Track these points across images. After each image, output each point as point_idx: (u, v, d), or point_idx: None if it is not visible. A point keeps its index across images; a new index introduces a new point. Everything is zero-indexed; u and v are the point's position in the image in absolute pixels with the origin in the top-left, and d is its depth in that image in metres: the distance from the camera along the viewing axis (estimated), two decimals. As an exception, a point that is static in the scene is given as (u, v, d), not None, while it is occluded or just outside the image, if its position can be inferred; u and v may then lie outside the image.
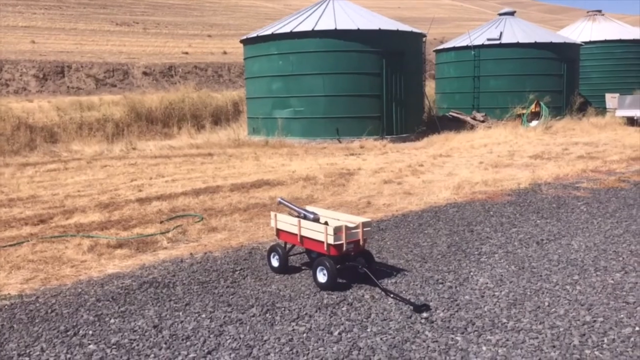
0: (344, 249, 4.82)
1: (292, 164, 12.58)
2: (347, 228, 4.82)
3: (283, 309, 4.42)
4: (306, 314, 4.31)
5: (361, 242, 4.95)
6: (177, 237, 6.72)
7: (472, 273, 5.17)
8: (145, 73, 37.82)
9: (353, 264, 4.97)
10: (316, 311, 4.35)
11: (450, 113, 20.62)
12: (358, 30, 15.65)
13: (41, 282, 5.24)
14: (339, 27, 15.63)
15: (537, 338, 3.81)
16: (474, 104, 21.07)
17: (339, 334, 3.94)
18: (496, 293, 4.66)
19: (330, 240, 4.76)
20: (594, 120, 20.57)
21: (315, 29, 15.69)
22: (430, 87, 23.61)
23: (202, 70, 40.23)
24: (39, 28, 49.54)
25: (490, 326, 4.01)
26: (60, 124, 18.11)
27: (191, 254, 6.00)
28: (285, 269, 5.29)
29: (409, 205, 8.21)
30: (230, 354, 3.68)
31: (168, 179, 10.83)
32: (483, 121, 19.90)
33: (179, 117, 19.61)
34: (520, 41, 20.52)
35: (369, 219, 5.12)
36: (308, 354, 3.66)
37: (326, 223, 5.05)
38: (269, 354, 3.67)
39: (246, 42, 17.74)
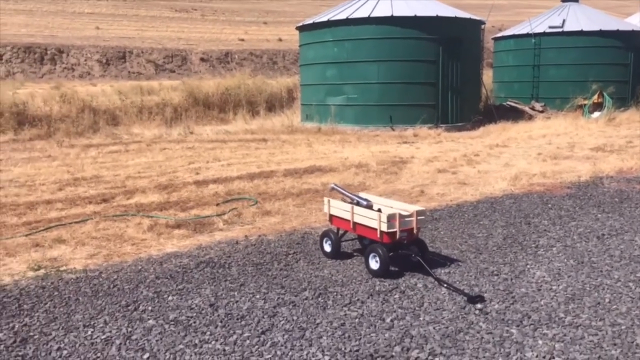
0: (397, 236, 4.79)
1: (345, 150, 12.58)
2: (401, 216, 4.79)
3: (335, 293, 4.46)
4: (358, 299, 4.33)
5: (415, 231, 4.91)
6: (232, 219, 6.87)
7: (528, 266, 5.06)
8: (202, 59, 38.54)
9: (406, 252, 4.93)
10: (368, 297, 4.37)
11: (508, 102, 20.06)
12: (415, 16, 15.41)
13: (104, 258, 5.47)
14: (395, 14, 15.43)
15: (596, 335, 3.70)
16: (533, 94, 20.41)
17: (391, 321, 3.95)
18: (553, 287, 4.54)
19: (384, 228, 4.74)
20: (663, 112, 19.56)
21: (372, 15, 15.55)
22: (487, 75, 23.02)
23: (258, 57, 40.64)
24: (103, 14, 51.26)
25: (547, 320, 3.93)
26: (121, 107, 18.71)
27: (246, 236, 6.12)
28: (337, 254, 5.31)
29: (463, 195, 8.08)
30: (283, 334, 3.76)
31: (224, 163, 11.04)
32: (542, 111, 19.27)
33: (235, 102, 19.90)
34: (584, 29, 19.68)
35: (422, 208, 5.08)
36: (360, 339, 3.69)
37: (379, 210, 5.02)
38: (321, 337, 3.73)
39: (302, 28, 17.78)
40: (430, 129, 15.70)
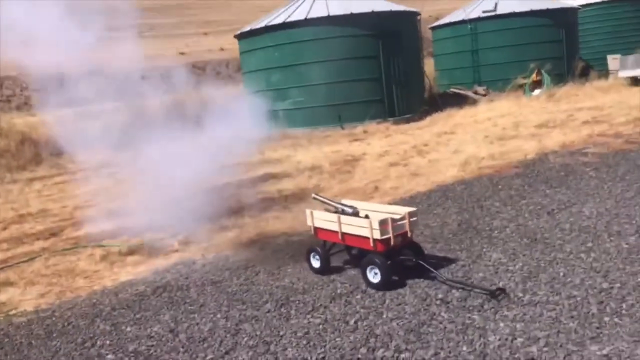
0: (392, 242, 4.48)
1: (297, 154, 12.53)
2: (393, 220, 4.49)
3: (297, 302, 4.41)
4: (321, 305, 4.30)
5: (409, 234, 4.63)
6: (187, 239, 6.72)
7: (484, 249, 5.14)
8: (144, 77, 37.79)
9: (404, 258, 4.63)
10: (331, 302, 4.34)
11: (452, 89, 20.44)
12: (351, 14, 15.49)
13: (56, 295, 5.27)
14: (331, 13, 15.48)
15: (554, 310, 3.78)
16: (474, 79, 20.85)
17: (355, 322, 3.93)
18: (510, 267, 4.62)
19: (377, 235, 4.42)
20: (598, 83, 20.29)
21: (308, 17, 15.54)
22: (429, 65, 23.39)
23: (201, 69, 40.15)
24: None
25: (507, 302, 3.99)
26: (63, 136, 18.11)
27: (202, 254, 6.01)
28: (327, 269, 4.95)
29: (416, 187, 8.16)
30: (247, 352, 3.69)
31: (175, 181, 10.81)
32: (485, 95, 19.71)
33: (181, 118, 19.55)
34: (516, 10, 20.22)
35: (414, 208, 4.79)
36: (325, 345, 3.65)
37: (366, 216, 4.74)
38: (286, 349, 3.67)
39: (240, 36, 17.64)
40: (379, 123, 15.81)
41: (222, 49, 44.45)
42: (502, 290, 4.11)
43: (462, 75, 21.05)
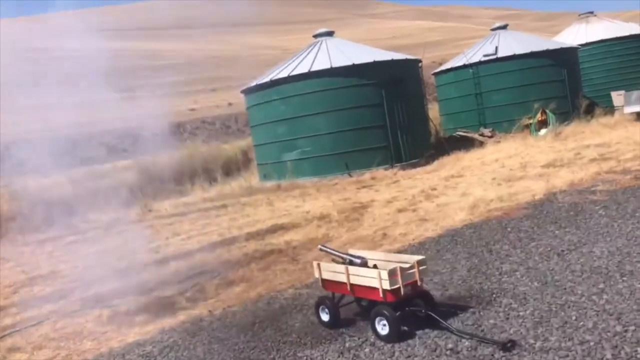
0: (402, 292, 4.38)
1: (306, 204, 12.55)
2: (402, 269, 4.41)
3: (305, 357, 4.33)
4: (328, 359, 4.21)
5: (418, 283, 4.54)
6: (195, 295, 6.68)
7: (494, 295, 5.04)
8: (154, 134, 38.46)
9: (414, 309, 4.51)
10: (339, 356, 4.26)
11: (458, 133, 20.55)
12: (353, 65, 15.81)
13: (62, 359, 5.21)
14: (334, 65, 15.81)
15: (567, 356, 3.67)
16: (480, 121, 20.99)
17: (363, 377, 3.84)
18: (521, 313, 4.52)
19: (386, 285, 4.32)
20: (604, 120, 20.32)
21: (312, 69, 15.88)
22: (434, 109, 23.64)
23: (210, 124, 40.90)
24: (48, 105, 50.96)
25: (518, 349, 3.88)
26: (75, 196, 18.35)
27: (210, 311, 5.95)
28: (337, 322, 4.84)
29: (425, 232, 8.10)
30: (253, 412, 3.60)
31: (184, 237, 10.85)
32: (491, 136, 19.79)
33: (191, 173, 19.78)
34: (517, 52, 20.53)
35: (422, 256, 4.70)
36: (333, 402, 3.56)
37: (375, 266, 4.68)
38: (293, 407, 3.58)
39: (247, 91, 18.00)
40: (386, 169, 15.86)
41: (230, 104, 45.34)
42: (513, 342, 3.99)
43: (468, 118, 21.21)
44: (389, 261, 4.82)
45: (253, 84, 17.46)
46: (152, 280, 7.82)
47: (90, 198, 18.38)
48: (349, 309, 5.11)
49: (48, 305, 7.36)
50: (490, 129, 20.23)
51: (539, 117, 19.62)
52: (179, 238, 10.82)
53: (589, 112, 21.59)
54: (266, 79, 16.76)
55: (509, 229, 7.38)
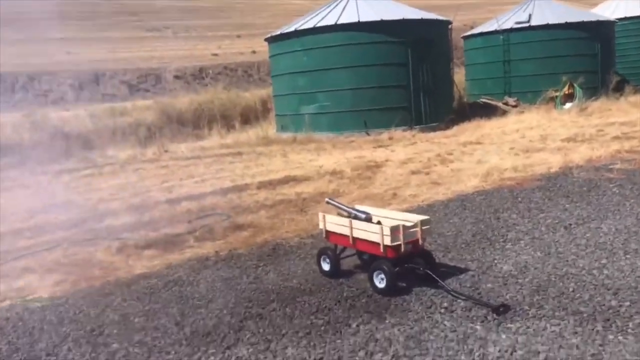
0: (402, 250, 4.45)
1: (320, 159, 12.58)
2: (405, 227, 4.46)
3: (303, 302, 4.44)
4: (326, 307, 4.32)
5: (420, 242, 4.58)
6: (203, 236, 6.82)
7: (495, 261, 5.09)
8: (176, 76, 38.43)
9: (412, 266, 4.59)
10: (335, 304, 4.36)
11: (482, 99, 20.25)
12: (381, 21, 15.51)
13: (71, 284, 5.40)
14: (362, 20, 15.52)
15: (559, 325, 3.73)
16: (505, 89, 20.62)
17: (357, 326, 3.94)
18: (519, 280, 4.57)
19: (387, 241, 4.39)
20: (633, 99, 19.83)
21: (338, 22, 15.62)
22: (460, 74, 23.24)
23: (232, 71, 40.63)
24: (73, 39, 50.86)
25: (512, 314, 3.94)
26: (94, 130, 18.56)
27: (216, 251, 6.08)
28: (337, 272, 4.94)
29: (435, 195, 8.12)
30: (248, 348, 3.73)
31: (198, 180, 10.98)
32: (515, 106, 19.47)
33: (209, 118, 19.85)
34: (550, 22, 19.94)
35: (427, 217, 4.74)
36: (325, 346, 3.67)
37: (379, 222, 4.73)
38: (286, 347, 3.70)
39: (270, 40, 17.81)
40: (405, 131, 15.76)
41: (254, 52, 44.89)
42: (506, 306, 4.03)
43: (493, 86, 20.84)
44: (393, 219, 4.87)
45: (277, 32, 17.26)
46: (163, 218, 7.99)
47: (108, 134, 18.62)
48: (349, 261, 5.20)
49: (61, 232, 7.57)
50: (515, 99, 19.88)
51: (565, 90, 19.21)
52: (192, 180, 10.96)
53: (619, 89, 21.05)
54: (291, 29, 16.55)
55: (519, 199, 7.36)
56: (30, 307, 4.85)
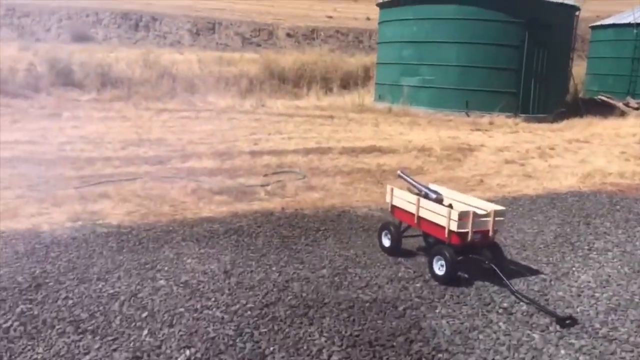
0: (469, 238, 4.11)
1: (411, 133, 12.18)
2: (475, 215, 4.12)
3: (354, 274, 4.26)
4: (376, 284, 4.11)
5: (490, 233, 4.19)
6: (275, 191, 6.79)
7: (574, 269, 4.61)
8: (288, 34, 38.78)
9: (477, 258, 4.24)
10: (387, 282, 4.14)
11: (599, 97, 18.67)
12: (503, -2, 14.57)
13: (140, 216, 5.56)
14: (481, -6, 14.67)
15: (631, 352, 3.29)
16: (629, 89, 18.88)
17: (404, 310, 3.71)
18: (597, 294, 4.10)
19: (453, 227, 4.08)
20: None
21: (456, -6, 14.86)
22: (581, 66, 21.55)
23: (344, 35, 40.34)
24: (195, -15, 52.60)
25: (578, 329, 3.54)
26: (200, 76, 19.14)
27: (282, 208, 6.02)
28: (397, 250, 4.68)
29: (525, 189, 7.57)
30: (286, 310, 3.62)
31: (284, 136, 11.00)
32: (637, 109, 17.77)
33: (310, 78, 19.82)
34: (698, 20, 17.91)
35: (502, 207, 4.35)
36: (364, 324, 3.48)
37: (450, 206, 4.43)
38: (324, 317, 3.55)
39: (382, 5, 17.31)
40: (508, 117, 14.88)
41: (368, 19, 44.18)
42: (574, 319, 3.63)
43: (615, 84, 19.15)
44: (466, 204, 4.51)
45: (389, -2, 16.72)
46: (242, 167, 8.06)
47: (213, 82, 19.15)
48: (414, 241, 4.93)
49: (145, 166, 7.86)
50: (638, 101, 18.15)
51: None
52: (279, 136, 10.99)
53: None
54: (404, -5, 15.96)
55: (617, 207, 6.67)
56: (97, 231, 5.03)
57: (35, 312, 3.44)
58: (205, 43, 36.53)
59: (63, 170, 7.38)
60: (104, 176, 7.11)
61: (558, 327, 3.53)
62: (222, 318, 3.47)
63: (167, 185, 6.78)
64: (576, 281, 4.35)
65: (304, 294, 3.86)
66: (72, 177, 7.04)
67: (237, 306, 3.64)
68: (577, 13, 16.42)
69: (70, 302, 3.61)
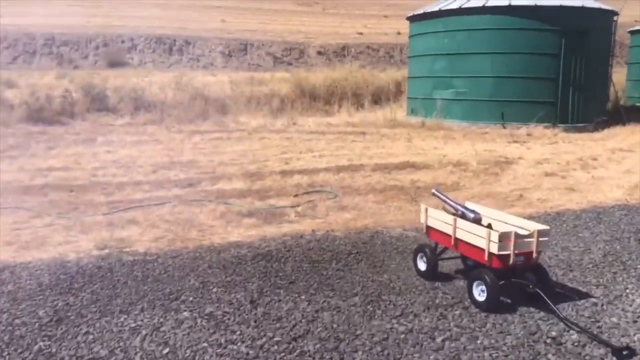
0: (511, 261, 3.86)
1: (446, 147, 11.85)
2: (517, 235, 3.86)
3: (388, 302, 4.01)
4: (412, 312, 3.85)
5: (534, 255, 3.93)
6: (305, 212, 6.60)
7: (628, 291, 4.25)
8: (319, 52, 38.89)
9: (520, 282, 3.98)
10: (424, 310, 3.87)
11: (643, 103, 17.96)
12: (535, 6, 14.15)
13: (167, 242, 5.43)
14: (513, 3, 14.28)
15: (700, 388, 2.94)
16: (674, 94, 18.12)
17: (442, 341, 3.44)
18: (655, 320, 3.75)
19: (494, 249, 3.82)
20: None
21: (487, 5, 14.52)
22: (621, 73, 20.82)
23: (374, 51, 40.25)
24: (229, 7, 53.50)
25: (637, 361, 3.20)
26: (232, 96, 19.23)
27: (313, 230, 5.82)
28: (433, 274, 4.44)
29: (568, 203, 7.18)
30: (315, 344, 3.39)
31: (316, 155, 10.84)
32: (684, 114, 17.00)
33: (341, 95, 19.69)
34: None
35: (547, 227, 4.02)
36: (400, 358, 3.23)
37: (489, 226, 4.17)
38: (356, 350, 3.31)
39: (412, 19, 17.11)
40: (546, 128, 14.40)
41: (398, 33, 44.03)
42: (631, 350, 3.29)
43: (659, 89, 18.39)
44: (507, 223, 4.22)
45: (420, 11, 16.51)
46: (272, 188, 7.91)
47: (244, 102, 19.21)
48: (451, 264, 4.65)
49: (176, 190, 7.79)
50: (684, 106, 17.38)
51: None
52: (310, 154, 10.84)
53: None
54: (435, 8, 15.74)
55: (671, 221, 6.23)
56: (123, 259, 4.92)
57: (53, 350, 3.31)
58: (238, 64, 36.93)
59: (93, 195, 7.37)
60: (133, 201, 7.06)
61: (615, 359, 3.20)
62: (247, 354, 3.27)
63: (196, 209, 6.68)
64: (631, 305, 4.00)
65: (334, 325, 3.63)
66: (101, 202, 7.01)
67: (264, 340, 3.44)
68: (615, 18, 15.87)
69: (90, 337, 3.47)
